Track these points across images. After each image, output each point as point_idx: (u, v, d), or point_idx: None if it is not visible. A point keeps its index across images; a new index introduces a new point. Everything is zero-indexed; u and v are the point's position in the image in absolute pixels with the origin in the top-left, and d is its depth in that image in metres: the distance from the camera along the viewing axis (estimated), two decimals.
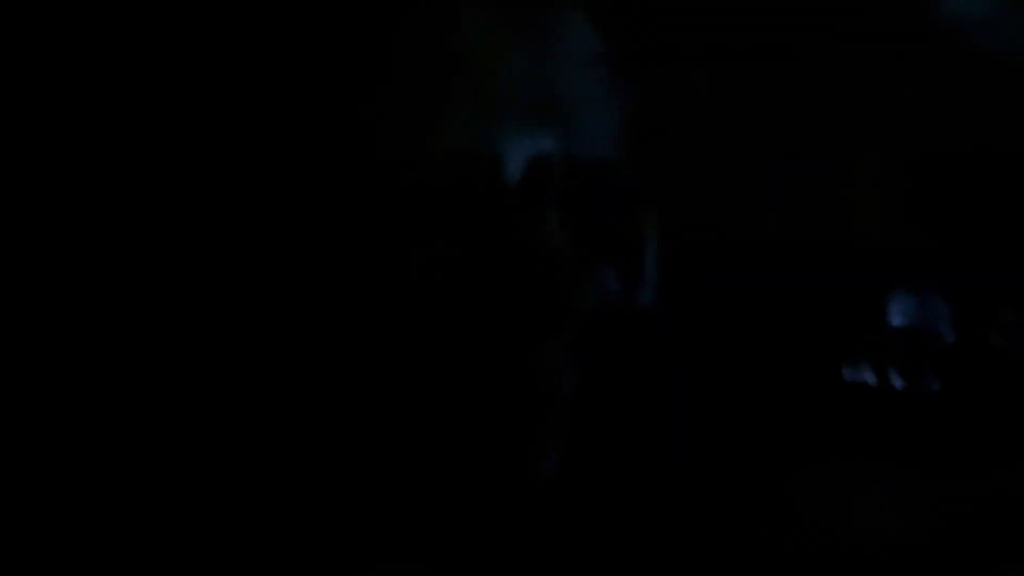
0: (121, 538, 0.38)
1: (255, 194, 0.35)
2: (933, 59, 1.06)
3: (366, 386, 0.37)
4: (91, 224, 0.34)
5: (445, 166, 0.41)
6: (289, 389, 0.36)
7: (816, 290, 1.16)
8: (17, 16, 0.37)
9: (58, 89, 0.35)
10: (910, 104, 1.10)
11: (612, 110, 0.44)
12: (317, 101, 0.34)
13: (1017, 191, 1.11)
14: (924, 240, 1.15)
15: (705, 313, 1.15)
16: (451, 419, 0.39)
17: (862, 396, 1.16)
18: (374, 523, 0.45)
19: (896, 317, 1.16)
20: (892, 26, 1.06)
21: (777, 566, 1.10)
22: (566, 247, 0.43)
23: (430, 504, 0.44)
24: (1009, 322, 1.11)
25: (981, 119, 1.10)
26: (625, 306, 0.72)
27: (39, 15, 0.36)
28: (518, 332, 0.41)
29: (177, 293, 0.35)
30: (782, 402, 1.17)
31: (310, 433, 0.37)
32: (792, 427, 1.16)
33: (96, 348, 0.36)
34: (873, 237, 1.15)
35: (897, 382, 1.14)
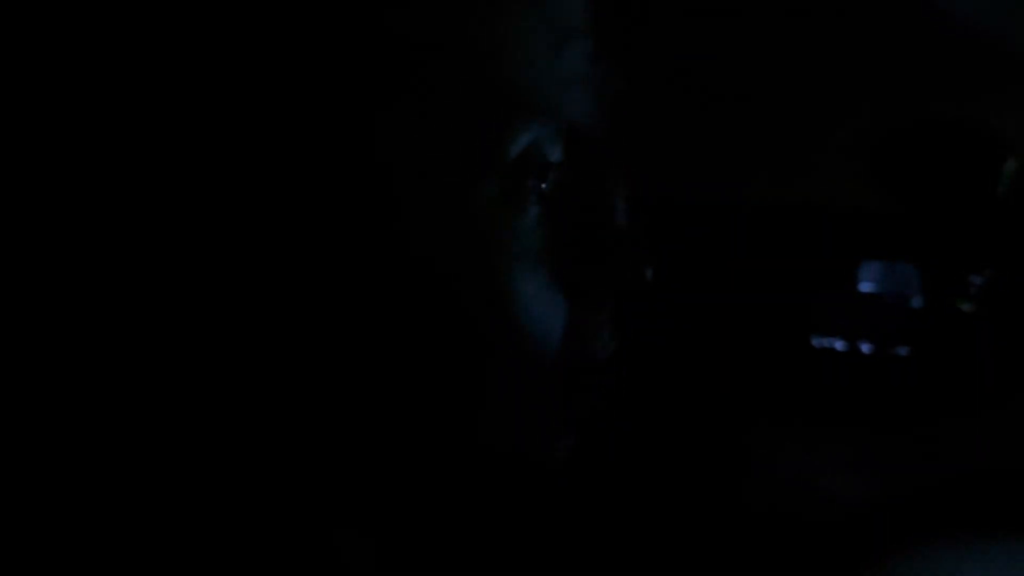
0: (120, 538, 0.37)
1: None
2: (904, 28, 1.06)
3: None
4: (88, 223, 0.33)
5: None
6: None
7: (784, 256, 1.17)
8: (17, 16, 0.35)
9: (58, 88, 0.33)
10: (881, 72, 1.10)
11: (595, 82, 0.43)
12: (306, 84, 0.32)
13: (986, 161, 1.13)
14: (893, 207, 1.16)
15: (671, 276, 1.15)
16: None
17: (831, 362, 1.17)
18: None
19: (865, 283, 1.18)
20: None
21: (740, 527, 1.11)
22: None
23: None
24: (978, 288, 1.13)
25: (950, 87, 1.11)
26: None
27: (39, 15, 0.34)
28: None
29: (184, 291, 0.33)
30: (749, 367, 1.18)
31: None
32: (759, 393, 1.17)
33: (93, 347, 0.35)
34: (843, 204, 1.16)
35: (866, 348, 1.16)
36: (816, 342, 1.17)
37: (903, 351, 1.16)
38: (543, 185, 0.42)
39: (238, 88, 0.39)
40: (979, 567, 1.02)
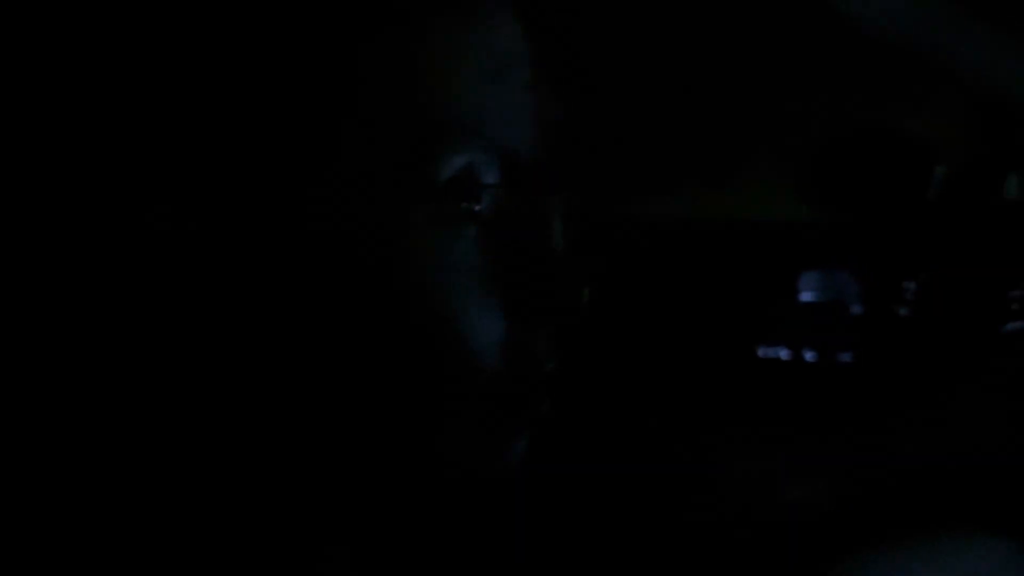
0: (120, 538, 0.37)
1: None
2: (835, 38, 1.08)
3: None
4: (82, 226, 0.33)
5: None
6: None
7: (727, 268, 1.18)
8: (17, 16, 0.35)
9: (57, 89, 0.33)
10: (811, 84, 1.12)
11: (533, 109, 0.43)
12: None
13: (916, 168, 1.15)
14: (827, 217, 1.18)
15: (619, 299, 1.17)
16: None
17: (776, 370, 1.19)
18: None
19: (805, 293, 1.20)
20: (794, 10, 1.08)
21: (699, 537, 1.12)
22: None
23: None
24: (914, 295, 1.15)
25: (884, 97, 1.13)
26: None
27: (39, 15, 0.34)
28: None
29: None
30: (695, 378, 1.20)
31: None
32: (708, 404, 1.18)
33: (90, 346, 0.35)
34: (778, 216, 1.18)
35: (809, 356, 1.18)
36: (762, 352, 1.19)
37: (846, 357, 1.18)
38: (477, 207, 0.44)
39: (179, 113, 0.40)
40: (933, 565, 1.04)
